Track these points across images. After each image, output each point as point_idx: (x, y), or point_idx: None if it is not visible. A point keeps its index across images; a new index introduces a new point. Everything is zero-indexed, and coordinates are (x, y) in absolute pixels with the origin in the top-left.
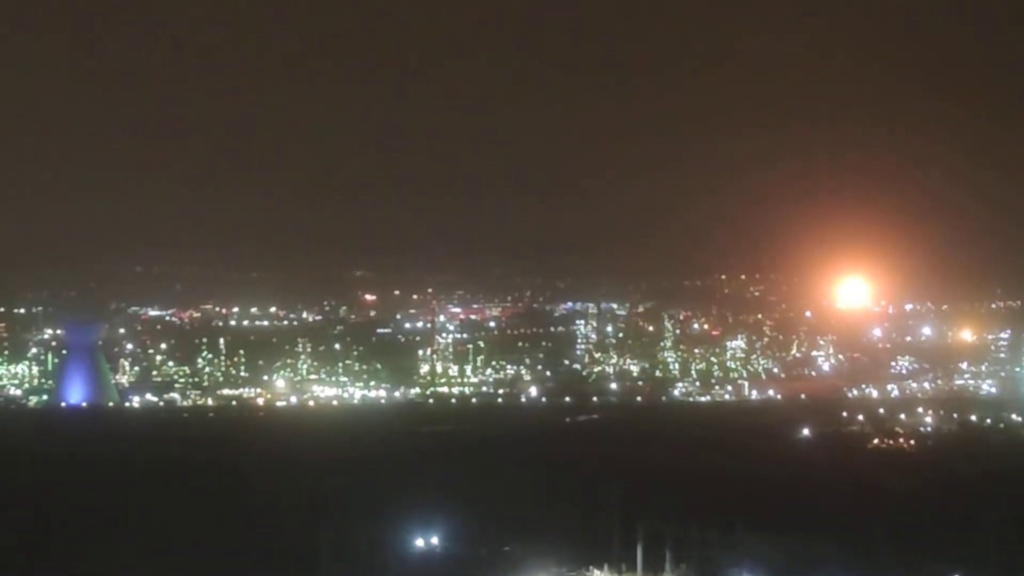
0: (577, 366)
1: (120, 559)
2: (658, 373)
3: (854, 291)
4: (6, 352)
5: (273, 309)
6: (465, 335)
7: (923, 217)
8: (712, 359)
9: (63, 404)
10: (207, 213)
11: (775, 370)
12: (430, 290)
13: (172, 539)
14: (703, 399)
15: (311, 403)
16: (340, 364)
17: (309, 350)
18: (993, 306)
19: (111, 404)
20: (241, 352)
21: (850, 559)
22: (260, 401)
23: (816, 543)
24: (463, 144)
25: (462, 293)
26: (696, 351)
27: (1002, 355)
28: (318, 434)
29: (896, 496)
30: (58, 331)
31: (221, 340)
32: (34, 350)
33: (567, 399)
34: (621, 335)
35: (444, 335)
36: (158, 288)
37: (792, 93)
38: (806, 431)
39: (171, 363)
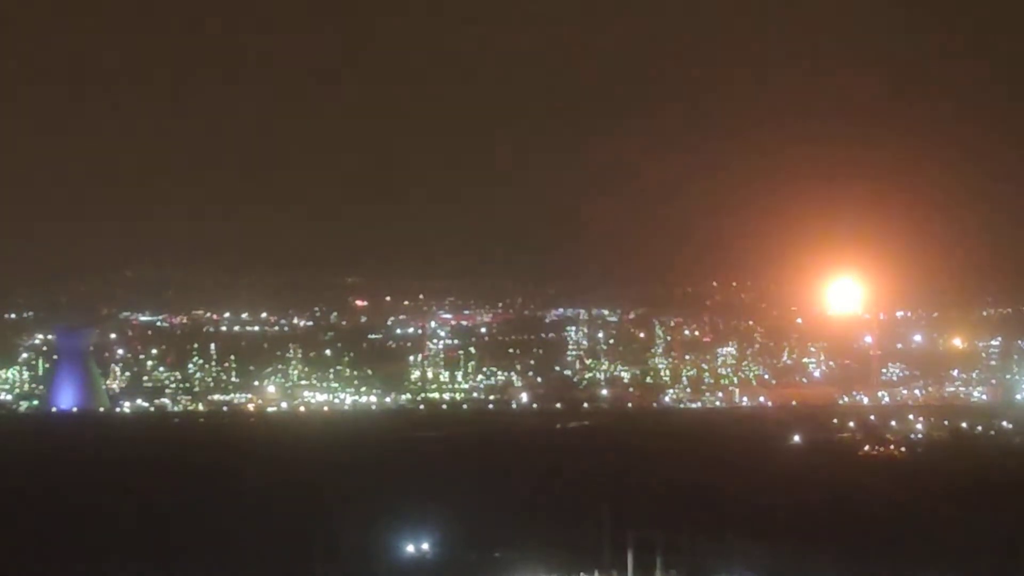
0: (568, 372)
1: (112, 563)
2: (649, 379)
3: (845, 298)
4: None
5: (264, 315)
6: (456, 341)
7: (914, 225)
8: (703, 365)
9: (54, 409)
10: (198, 219)
11: (766, 376)
12: (421, 296)
13: (163, 543)
14: (694, 405)
15: (302, 409)
16: (331, 370)
17: (300, 356)
18: (984, 313)
19: (102, 409)
20: (232, 358)
21: (840, 565)
22: (251, 407)
23: (806, 549)
24: (456, 152)
25: (453, 299)
26: (687, 357)
27: (993, 362)
28: (309, 440)
29: (886, 503)
30: (49, 336)
31: (212, 346)
32: (25, 355)
33: (558, 405)
34: (612, 341)
35: (435, 341)
36: (149, 294)
37: (784, 102)
38: (797, 438)
39: (162, 369)
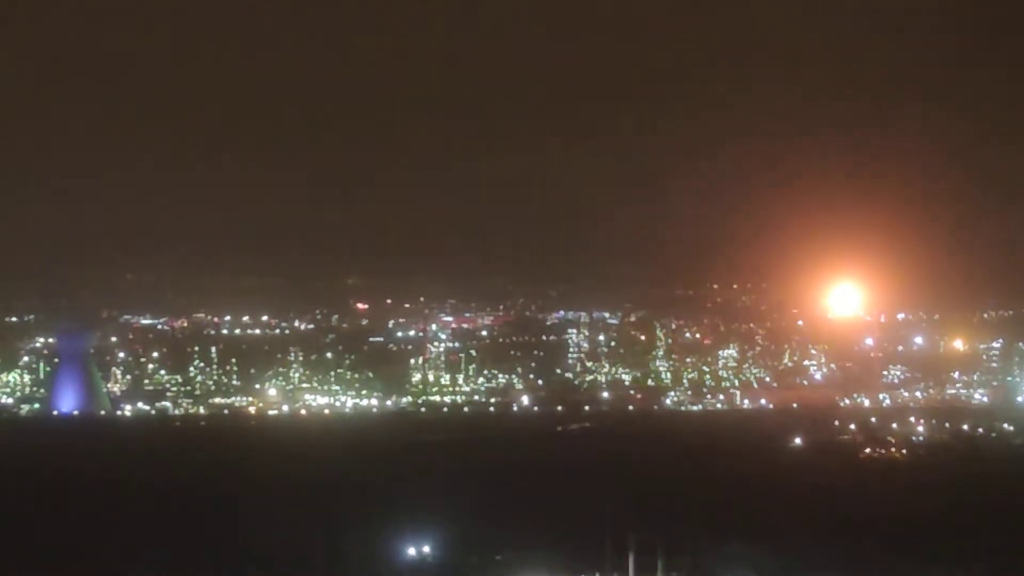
0: (569, 375)
1: (112, 566)
2: (650, 382)
3: (846, 300)
4: None
5: (265, 317)
6: (457, 344)
7: (915, 226)
8: (704, 368)
9: (55, 412)
10: (199, 221)
11: (767, 379)
12: (422, 299)
13: (163, 548)
14: (695, 408)
15: (303, 412)
16: (332, 373)
17: (301, 358)
18: (985, 316)
19: (103, 412)
20: (233, 361)
21: (841, 567)
22: (252, 410)
23: (808, 552)
24: (457, 152)
25: (454, 302)
26: (688, 360)
27: (994, 364)
28: (310, 443)
29: (888, 505)
30: (50, 339)
31: (213, 349)
32: (26, 358)
33: (559, 408)
34: (613, 344)
35: (436, 344)
36: (150, 296)
37: (785, 104)
38: (798, 440)
39: (163, 372)
